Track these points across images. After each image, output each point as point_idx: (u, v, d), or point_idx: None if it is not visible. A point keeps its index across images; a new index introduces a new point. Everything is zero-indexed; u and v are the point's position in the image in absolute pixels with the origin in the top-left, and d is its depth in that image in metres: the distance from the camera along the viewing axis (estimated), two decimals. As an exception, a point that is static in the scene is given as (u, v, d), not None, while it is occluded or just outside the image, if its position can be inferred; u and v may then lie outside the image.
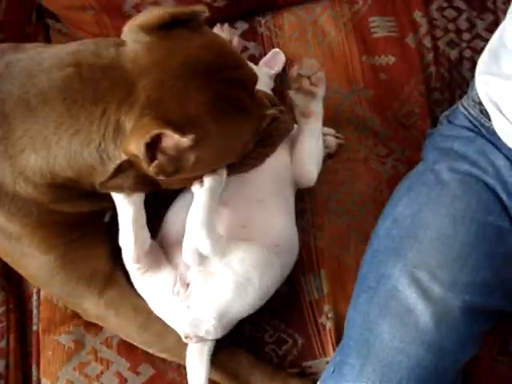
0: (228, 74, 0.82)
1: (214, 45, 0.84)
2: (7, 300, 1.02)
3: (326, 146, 1.06)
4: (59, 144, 0.80)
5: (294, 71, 0.96)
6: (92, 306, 0.95)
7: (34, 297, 1.03)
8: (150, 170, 0.78)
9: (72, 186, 0.85)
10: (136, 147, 0.76)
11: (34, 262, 0.91)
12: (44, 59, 0.82)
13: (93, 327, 0.99)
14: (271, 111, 0.90)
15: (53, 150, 0.81)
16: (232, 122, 0.83)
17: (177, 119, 0.77)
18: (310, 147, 0.98)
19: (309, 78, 0.95)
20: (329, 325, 0.98)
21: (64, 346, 0.99)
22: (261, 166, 0.94)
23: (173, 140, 0.76)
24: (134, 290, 0.93)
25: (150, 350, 0.96)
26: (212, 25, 1.16)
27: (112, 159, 0.80)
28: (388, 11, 1.16)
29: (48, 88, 0.79)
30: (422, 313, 0.84)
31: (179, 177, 0.82)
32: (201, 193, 0.86)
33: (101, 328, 0.99)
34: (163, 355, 0.96)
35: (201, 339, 0.91)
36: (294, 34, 1.15)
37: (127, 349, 0.98)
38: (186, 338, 0.91)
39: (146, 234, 0.90)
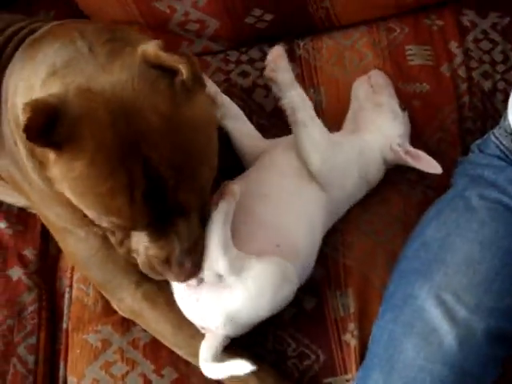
0: (153, 159, 0.74)
1: (178, 127, 0.75)
2: (40, 298, 1.05)
3: None
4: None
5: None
6: (128, 297, 0.96)
7: (66, 295, 1.05)
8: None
9: None
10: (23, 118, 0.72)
11: (73, 238, 0.93)
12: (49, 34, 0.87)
13: (120, 327, 1.01)
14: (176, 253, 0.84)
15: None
16: (111, 189, 0.75)
17: (70, 128, 0.73)
18: (301, 141, 0.96)
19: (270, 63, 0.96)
20: (353, 343, 0.99)
21: (92, 344, 1.01)
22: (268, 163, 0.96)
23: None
24: (170, 286, 0.95)
25: (180, 352, 0.98)
26: (254, 43, 1.20)
27: None
28: (425, 40, 1.19)
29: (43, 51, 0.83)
30: (447, 333, 0.86)
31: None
32: (215, 215, 0.87)
33: (128, 328, 1.01)
34: (191, 359, 0.98)
35: (215, 333, 0.92)
36: (332, 58, 1.18)
37: (153, 351, 1.00)
38: (202, 328, 0.93)
39: None
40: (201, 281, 0.91)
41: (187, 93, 0.76)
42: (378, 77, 1.11)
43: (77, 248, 0.95)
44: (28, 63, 0.84)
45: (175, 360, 0.99)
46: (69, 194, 0.79)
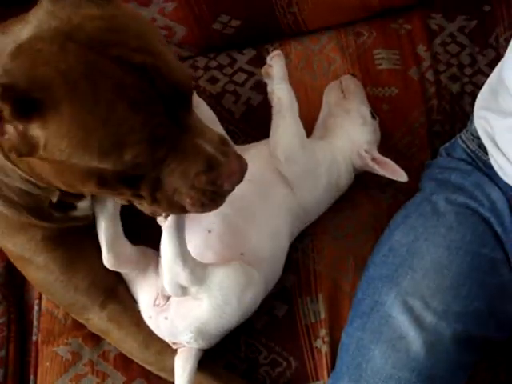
0: (124, 55, 0.67)
1: (117, 18, 0.70)
2: (9, 310, 1.04)
3: None
4: None
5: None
6: (95, 318, 0.96)
7: (36, 308, 1.04)
8: (2, 144, 0.68)
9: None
10: None
11: (33, 266, 0.92)
12: None
13: (90, 339, 1.01)
14: (210, 150, 0.72)
15: None
16: (108, 111, 0.66)
17: (23, 86, 0.65)
18: (277, 129, 0.99)
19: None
20: (325, 349, 0.99)
21: (62, 357, 1.00)
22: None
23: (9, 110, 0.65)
24: (136, 305, 0.95)
25: (150, 368, 0.98)
26: (222, 49, 1.20)
27: None
28: (392, 44, 1.19)
29: None
30: (414, 340, 0.86)
31: (40, 159, 0.70)
32: (167, 230, 0.86)
33: (98, 341, 1.00)
34: (162, 374, 0.97)
35: (187, 347, 0.92)
36: (300, 62, 1.18)
37: (123, 363, 0.99)
38: (173, 344, 0.93)
39: (123, 241, 0.92)
40: (168, 298, 0.90)
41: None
42: (349, 82, 1.11)
43: (37, 276, 0.95)
44: None
45: (146, 371, 0.99)
46: (73, 158, 0.69)
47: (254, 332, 1.00)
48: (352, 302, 0.97)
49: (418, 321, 0.87)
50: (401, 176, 1.02)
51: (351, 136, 1.06)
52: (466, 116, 1.14)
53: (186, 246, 0.87)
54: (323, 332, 0.99)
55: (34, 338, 1.03)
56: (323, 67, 1.18)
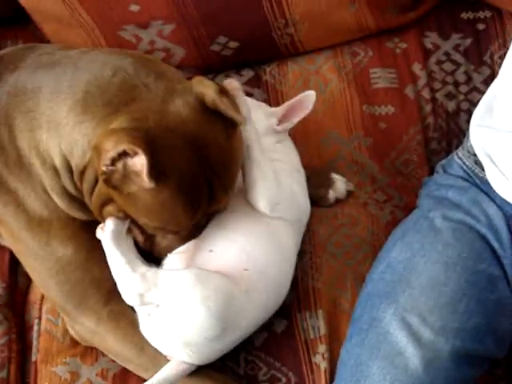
0: (211, 171, 0.88)
1: (236, 150, 0.91)
2: (9, 330, 1.04)
3: (335, 192, 1.09)
4: (66, 129, 0.87)
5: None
6: (93, 318, 0.96)
7: (35, 327, 1.04)
8: (101, 170, 0.83)
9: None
10: (112, 145, 0.81)
11: (40, 253, 0.95)
12: (88, 59, 0.91)
13: (89, 357, 1.01)
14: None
15: (59, 133, 0.87)
16: (180, 205, 0.87)
17: (159, 159, 0.82)
18: (250, 179, 0.96)
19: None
20: (324, 365, 0.99)
21: (60, 377, 1.00)
22: None
23: (141, 168, 0.81)
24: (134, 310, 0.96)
25: (146, 375, 0.96)
26: (220, 70, 1.22)
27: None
28: (388, 63, 1.21)
29: (81, 78, 0.88)
30: (412, 356, 0.86)
31: (112, 195, 0.87)
32: (105, 236, 0.89)
33: (96, 358, 1.00)
34: None
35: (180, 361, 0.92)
36: (298, 82, 1.20)
37: (121, 381, 0.99)
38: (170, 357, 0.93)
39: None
40: (148, 313, 0.92)
41: (236, 129, 0.90)
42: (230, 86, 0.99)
43: (40, 262, 0.97)
44: (63, 91, 0.88)
45: (144, 390, 0.99)
46: (140, 214, 0.89)
47: (253, 348, 1.00)
48: (351, 319, 0.97)
49: (415, 337, 0.87)
50: (307, 99, 1.03)
51: (260, 129, 1.01)
52: (462, 133, 1.15)
53: (132, 253, 0.90)
54: (323, 348, 1.00)
55: (33, 358, 1.03)
56: (320, 87, 1.19)
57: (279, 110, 1.06)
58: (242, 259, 0.94)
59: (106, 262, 0.92)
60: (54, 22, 1.19)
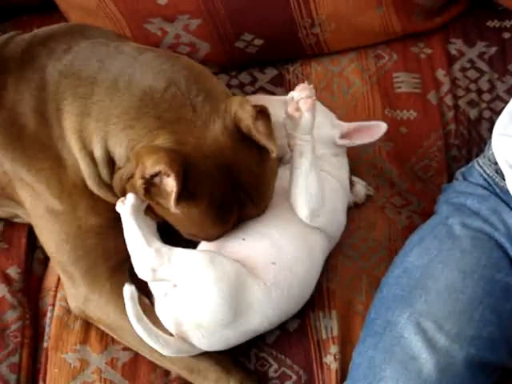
0: (243, 192, 0.93)
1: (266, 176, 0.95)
2: (24, 316, 1.05)
3: (354, 195, 1.09)
4: (115, 127, 0.91)
5: (291, 94, 0.95)
6: (94, 286, 0.98)
7: (48, 314, 1.05)
8: (139, 182, 0.87)
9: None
10: (152, 163, 0.85)
11: (62, 217, 0.98)
12: (143, 62, 0.94)
13: (99, 345, 1.01)
14: None
15: (107, 128, 0.91)
16: (210, 222, 0.92)
17: (190, 183, 0.87)
18: (296, 187, 0.96)
19: (298, 102, 0.92)
20: (334, 366, 0.99)
21: (70, 364, 1.01)
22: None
23: (171, 190, 0.85)
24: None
25: (151, 357, 0.98)
26: (244, 68, 1.22)
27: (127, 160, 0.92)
28: (412, 68, 1.21)
29: (137, 84, 0.91)
30: (426, 361, 0.86)
31: (146, 198, 0.91)
32: (124, 209, 0.92)
33: (106, 346, 1.01)
34: (165, 365, 0.98)
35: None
36: (321, 84, 1.20)
37: (131, 371, 1.00)
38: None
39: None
40: (165, 292, 0.93)
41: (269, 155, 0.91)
42: (259, 101, 0.96)
43: (54, 227, 1.00)
44: (116, 95, 0.92)
45: (153, 380, 0.99)
46: (163, 214, 0.94)
47: (264, 345, 1.00)
48: (364, 322, 0.97)
49: (430, 343, 0.87)
50: (378, 129, 1.04)
51: (321, 139, 1.01)
52: (483, 141, 1.15)
53: (149, 229, 0.93)
54: (335, 349, 1.00)
55: (44, 345, 1.04)
56: (343, 89, 1.19)
57: (346, 125, 1.06)
58: (271, 253, 0.95)
59: (121, 237, 0.95)
60: (81, 12, 1.20)
